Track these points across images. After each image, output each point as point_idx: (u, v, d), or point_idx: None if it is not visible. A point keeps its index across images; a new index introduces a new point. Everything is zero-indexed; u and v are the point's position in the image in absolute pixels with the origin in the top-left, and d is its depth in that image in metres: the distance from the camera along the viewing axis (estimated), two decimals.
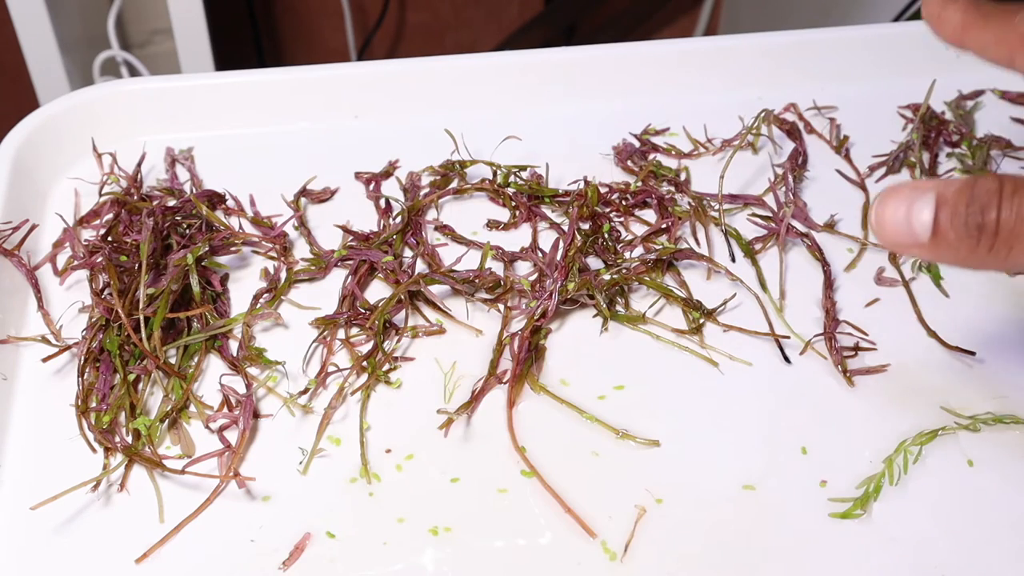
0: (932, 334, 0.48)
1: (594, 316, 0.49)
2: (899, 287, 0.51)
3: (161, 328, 0.45)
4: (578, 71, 0.62)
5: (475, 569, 0.39)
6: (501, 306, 0.49)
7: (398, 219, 0.53)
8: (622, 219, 0.54)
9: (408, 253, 0.52)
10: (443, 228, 0.54)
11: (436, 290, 0.49)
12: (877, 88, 0.63)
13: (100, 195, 0.54)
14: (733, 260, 0.52)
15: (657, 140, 0.60)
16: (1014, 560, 0.40)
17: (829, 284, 0.50)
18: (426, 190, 0.56)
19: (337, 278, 0.51)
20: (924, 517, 0.41)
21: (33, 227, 0.51)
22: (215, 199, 0.54)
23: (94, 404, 0.44)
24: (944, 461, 0.43)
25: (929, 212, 0.32)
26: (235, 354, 0.47)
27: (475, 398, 0.45)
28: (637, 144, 0.59)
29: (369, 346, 0.47)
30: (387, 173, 0.57)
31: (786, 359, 0.47)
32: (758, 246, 0.53)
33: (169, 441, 0.43)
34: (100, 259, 0.48)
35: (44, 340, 0.46)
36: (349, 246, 0.52)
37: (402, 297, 0.48)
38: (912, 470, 0.43)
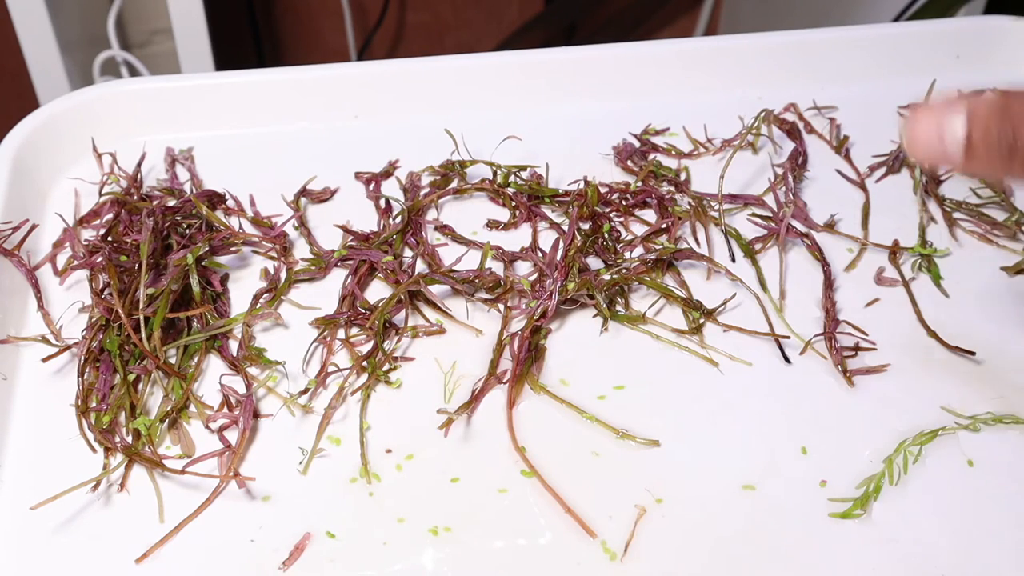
0: (932, 334, 0.48)
1: (594, 316, 0.49)
2: (899, 287, 0.51)
3: (161, 328, 0.45)
4: (578, 71, 0.62)
5: (475, 569, 0.39)
6: (501, 306, 0.49)
7: (398, 219, 0.53)
8: (622, 219, 0.54)
9: (408, 253, 0.52)
10: (443, 228, 0.53)
11: (436, 290, 0.49)
12: (877, 88, 0.63)
13: (100, 195, 0.54)
14: (733, 260, 0.52)
15: (657, 140, 0.60)
16: (1014, 560, 0.40)
17: (829, 284, 0.50)
18: (426, 190, 0.56)
19: (337, 278, 0.51)
20: (924, 517, 0.41)
21: (33, 227, 0.51)
22: (215, 199, 0.54)
23: (94, 404, 0.44)
24: (944, 461, 0.43)
25: (961, 128, 0.32)
26: (235, 354, 0.47)
27: (475, 398, 0.45)
28: (637, 144, 0.59)
29: (369, 346, 0.47)
30: (387, 173, 0.57)
31: (786, 359, 0.47)
32: (758, 246, 0.53)
33: (169, 441, 0.43)
34: (100, 259, 0.48)
35: (44, 340, 0.46)
36: (349, 246, 0.51)
37: (402, 297, 0.48)
38: (912, 470, 0.43)
